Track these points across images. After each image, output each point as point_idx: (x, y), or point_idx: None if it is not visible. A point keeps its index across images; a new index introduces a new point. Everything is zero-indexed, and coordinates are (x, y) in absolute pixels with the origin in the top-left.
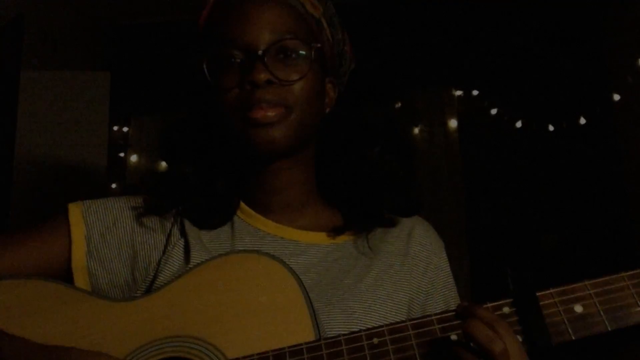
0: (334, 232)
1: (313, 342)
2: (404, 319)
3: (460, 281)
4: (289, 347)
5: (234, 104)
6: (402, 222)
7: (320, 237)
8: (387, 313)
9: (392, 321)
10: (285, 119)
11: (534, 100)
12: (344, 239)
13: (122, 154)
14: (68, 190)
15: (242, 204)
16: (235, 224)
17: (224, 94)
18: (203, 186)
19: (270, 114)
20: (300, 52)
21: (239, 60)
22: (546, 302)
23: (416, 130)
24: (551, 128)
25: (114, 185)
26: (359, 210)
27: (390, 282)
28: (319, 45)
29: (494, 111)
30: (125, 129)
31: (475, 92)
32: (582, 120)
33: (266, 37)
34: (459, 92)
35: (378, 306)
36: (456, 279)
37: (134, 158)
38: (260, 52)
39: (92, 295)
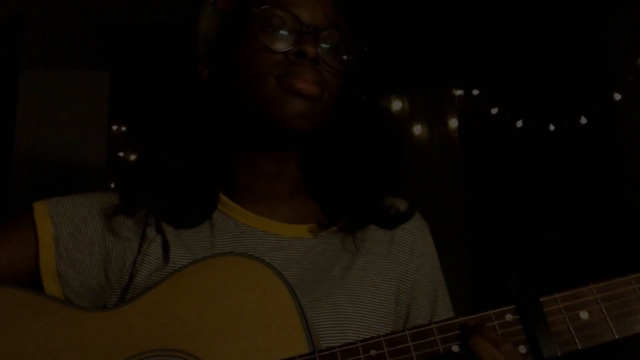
0: (319, 226)
1: (307, 355)
2: (392, 311)
3: (461, 281)
4: None
5: (274, 68)
6: None
7: (303, 231)
8: (375, 305)
9: (381, 313)
10: (318, 100)
11: (535, 100)
12: (329, 232)
13: (121, 154)
14: (67, 190)
15: (221, 195)
16: (213, 217)
17: (265, 55)
18: (181, 183)
19: (312, 88)
20: (350, 48)
21: (291, 27)
22: (550, 308)
23: (416, 130)
24: (552, 128)
25: (113, 185)
26: (346, 208)
27: (376, 272)
28: (365, 48)
29: (494, 111)
30: (124, 129)
31: (475, 92)
32: (583, 120)
33: (326, 16)
34: (459, 92)
35: (366, 298)
36: (456, 279)
37: (133, 157)
38: (318, 28)
39: (67, 305)
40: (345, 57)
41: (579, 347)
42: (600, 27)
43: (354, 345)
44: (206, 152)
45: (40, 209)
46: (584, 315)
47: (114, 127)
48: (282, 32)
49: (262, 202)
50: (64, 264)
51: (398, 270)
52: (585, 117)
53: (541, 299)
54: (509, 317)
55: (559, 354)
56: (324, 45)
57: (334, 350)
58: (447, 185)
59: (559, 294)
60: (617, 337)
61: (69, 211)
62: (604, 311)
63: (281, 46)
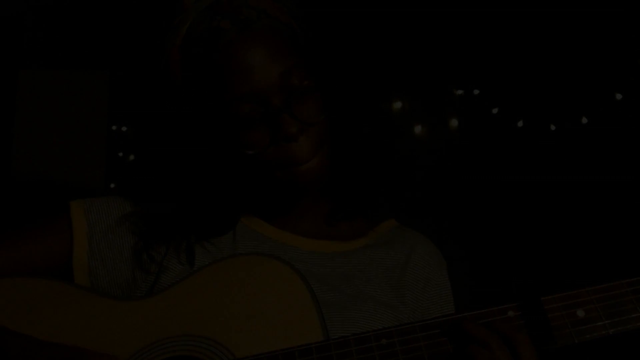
0: (337, 242)
1: (322, 342)
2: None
3: (461, 282)
4: (298, 346)
5: (273, 161)
6: (405, 237)
7: (322, 246)
8: (389, 324)
9: None
10: (323, 157)
11: (535, 100)
12: (345, 248)
13: (120, 154)
14: (67, 190)
15: (245, 209)
16: (237, 228)
17: (257, 153)
18: (208, 195)
19: (315, 165)
20: (306, 81)
21: (259, 115)
22: (550, 306)
23: (416, 130)
24: (553, 128)
25: (112, 185)
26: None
27: (391, 292)
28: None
29: (494, 111)
30: (124, 129)
31: (476, 92)
32: (584, 120)
33: (276, 80)
34: (459, 92)
35: (379, 315)
36: (456, 279)
37: (132, 157)
38: (281, 102)
39: (95, 294)
40: (312, 88)
41: (576, 341)
42: (602, 26)
43: (367, 334)
44: (231, 174)
45: (76, 207)
46: (580, 313)
47: (114, 127)
48: (253, 124)
49: (283, 216)
50: (95, 260)
51: (410, 298)
52: (586, 117)
53: (542, 298)
54: (510, 313)
55: (558, 345)
56: (296, 104)
57: (348, 338)
58: (446, 185)
59: (557, 295)
60: (610, 333)
61: (103, 211)
62: (599, 310)
63: (264, 141)
